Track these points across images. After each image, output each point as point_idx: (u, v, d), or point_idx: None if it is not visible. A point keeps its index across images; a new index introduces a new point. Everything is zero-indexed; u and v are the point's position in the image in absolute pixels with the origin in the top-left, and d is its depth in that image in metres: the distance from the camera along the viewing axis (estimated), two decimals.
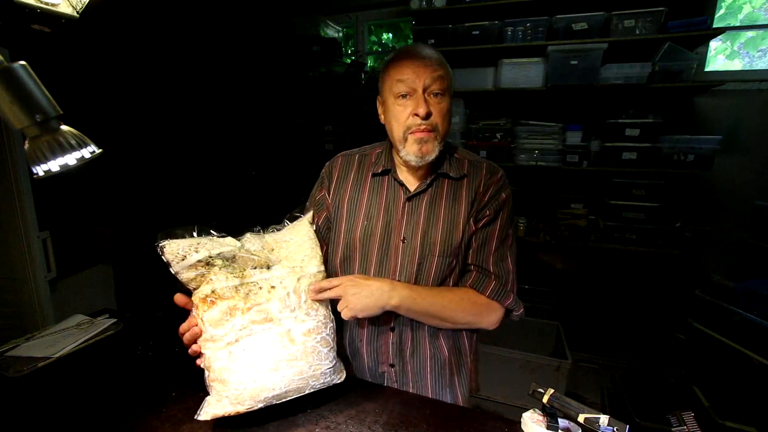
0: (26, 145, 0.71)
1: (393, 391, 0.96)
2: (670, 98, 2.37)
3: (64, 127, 0.74)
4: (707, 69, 2.40)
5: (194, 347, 0.81)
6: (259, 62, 3.05)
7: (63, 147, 0.71)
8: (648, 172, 2.28)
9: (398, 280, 0.96)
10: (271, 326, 0.81)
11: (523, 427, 0.81)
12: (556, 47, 2.27)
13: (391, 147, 1.04)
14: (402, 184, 1.01)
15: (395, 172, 1.03)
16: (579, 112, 2.50)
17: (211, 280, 0.79)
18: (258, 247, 0.88)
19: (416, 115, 0.91)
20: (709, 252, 2.36)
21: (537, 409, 0.82)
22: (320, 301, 0.88)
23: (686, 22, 2.06)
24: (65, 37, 2.11)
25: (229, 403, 0.78)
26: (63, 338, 1.15)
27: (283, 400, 0.83)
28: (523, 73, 2.38)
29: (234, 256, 0.83)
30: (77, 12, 0.83)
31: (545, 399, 0.77)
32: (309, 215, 1.00)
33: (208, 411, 0.77)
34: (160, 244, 0.79)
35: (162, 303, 1.05)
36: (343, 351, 1.08)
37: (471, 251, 1.00)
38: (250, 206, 3.09)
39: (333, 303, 0.91)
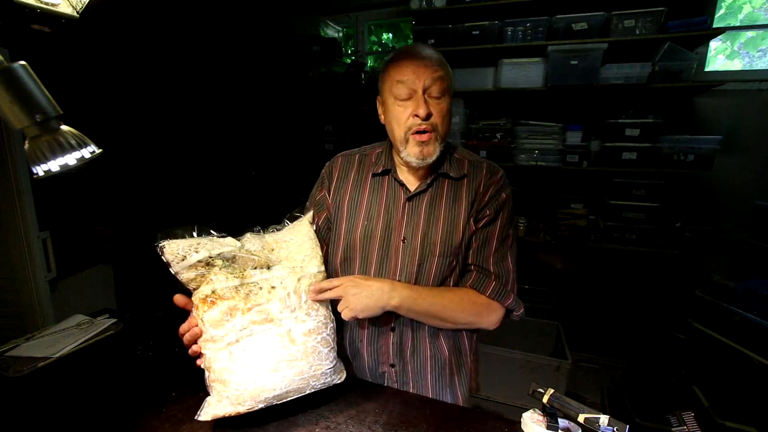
0: (26, 145, 0.71)
1: (393, 391, 0.96)
2: (670, 98, 2.37)
3: (64, 127, 0.74)
4: (707, 69, 2.40)
5: (194, 348, 0.81)
6: (260, 62, 3.05)
7: (63, 147, 0.72)
8: (648, 172, 2.28)
9: (398, 281, 0.96)
10: (271, 326, 0.81)
11: (523, 427, 0.81)
12: (556, 47, 2.27)
13: (391, 147, 1.04)
14: (402, 184, 1.01)
15: (395, 172, 1.03)
16: (579, 112, 2.50)
17: (211, 280, 0.79)
18: (258, 247, 0.88)
19: (416, 115, 0.91)
20: (709, 252, 2.36)
21: (537, 409, 0.82)
22: (320, 301, 0.88)
23: (686, 22, 2.06)
24: (65, 37, 2.11)
25: (229, 403, 0.78)
26: (63, 338, 1.15)
27: (284, 400, 0.83)
28: (523, 73, 2.38)
29: (234, 257, 0.83)
30: (77, 12, 0.83)
31: (545, 399, 0.77)
32: (309, 215, 1.00)
33: (209, 411, 0.77)
34: (160, 244, 0.79)
35: (162, 303, 1.05)
36: (344, 351, 1.08)
37: (471, 251, 1.00)
38: (250, 206, 3.09)
39: (333, 303, 0.91)
